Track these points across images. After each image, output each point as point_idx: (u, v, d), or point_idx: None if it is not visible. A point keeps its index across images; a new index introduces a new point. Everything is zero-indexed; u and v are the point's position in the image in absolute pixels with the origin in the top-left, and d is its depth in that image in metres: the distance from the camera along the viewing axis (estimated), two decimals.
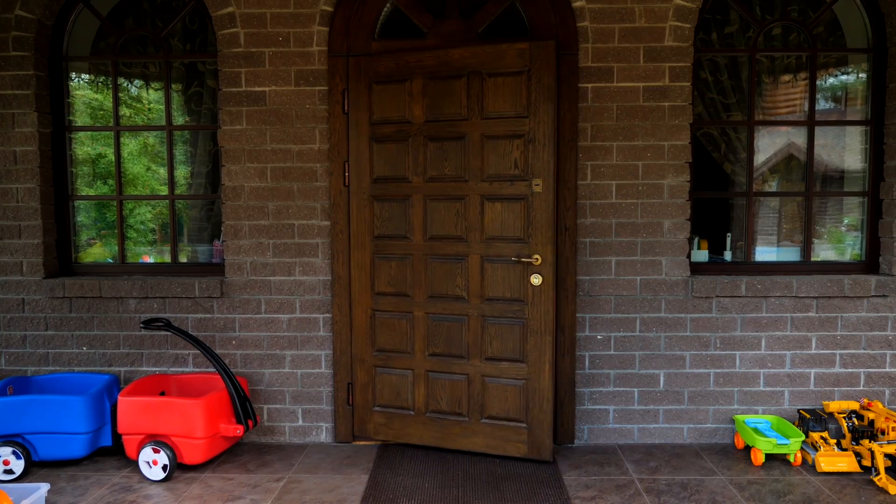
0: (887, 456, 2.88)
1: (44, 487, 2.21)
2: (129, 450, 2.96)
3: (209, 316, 3.28)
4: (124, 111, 3.48)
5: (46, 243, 3.32)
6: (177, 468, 3.00)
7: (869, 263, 3.35)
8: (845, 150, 3.45)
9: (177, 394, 3.23)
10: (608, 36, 3.12)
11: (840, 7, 3.33)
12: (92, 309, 3.30)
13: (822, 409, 3.18)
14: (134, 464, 3.08)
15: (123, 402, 2.95)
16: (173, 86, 3.45)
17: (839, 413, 3.12)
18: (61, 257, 3.45)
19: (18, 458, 2.92)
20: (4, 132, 3.25)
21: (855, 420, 3.07)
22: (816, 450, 2.98)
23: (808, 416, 3.10)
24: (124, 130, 3.49)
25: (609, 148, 3.17)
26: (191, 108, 3.51)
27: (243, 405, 3.04)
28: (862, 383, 3.24)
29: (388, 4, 3.21)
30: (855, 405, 3.14)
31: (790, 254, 3.45)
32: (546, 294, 3.08)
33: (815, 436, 3.02)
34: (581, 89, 3.14)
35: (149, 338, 3.31)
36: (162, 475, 2.88)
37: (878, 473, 2.79)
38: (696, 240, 3.42)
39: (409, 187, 3.21)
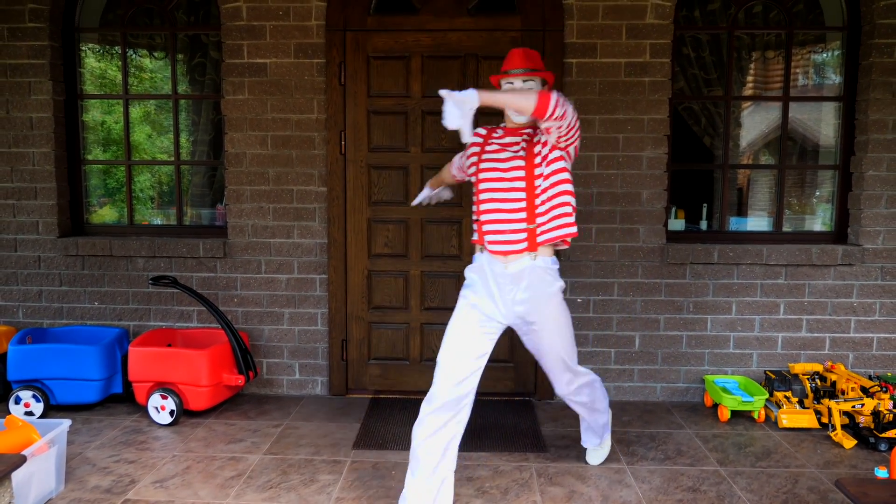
0: (844, 413, 3.07)
1: (66, 423, 2.44)
2: (139, 396, 3.20)
3: (213, 275, 3.50)
4: (130, 80, 3.66)
5: (60, 204, 3.54)
6: (183, 414, 3.23)
7: (837, 234, 3.52)
8: (824, 125, 3.59)
9: (182, 346, 3.45)
10: (592, 13, 3.27)
11: None
12: (103, 267, 3.52)
13: (788, 371, 3.37)
14: (143, 409, 3.32)
15: (134, 351, 3.18)
16: (178, 56, 3.63)
17: (804, 374, 3.31)
18: (74, 218, 3.66)
19: (38, 401, 3.16)
20: (21, 99, 3.45)
21: (818, 381, 3.26)
22: (780, 408, 3.18)
23: (773, 376, 3.29)
24: (133, 99, 3.68)
25: (591, 121, 3.33)
26: (194, 77, 3.69)
27: (244, 357, 3.27)
28: (827, 347, 3.43)
29: None
30: (819, 367, 3.33)
31: (764, 224, 3.62)
32: None
33: (780, 395, 3.22)
34: (566, 64, 3.30)
35: (156, 294, 3.54)
36: (169, 419, 3.12)
37: (834, 429, 2.99)
38: (673, 209, 3.59)
39: (408, 157, 3.40)
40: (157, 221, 3.76)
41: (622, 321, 3.43)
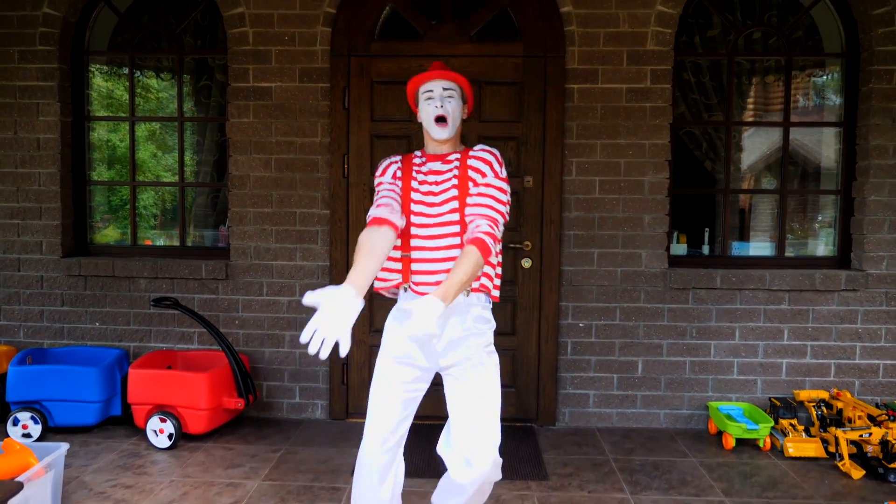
0: (852, 443, 3.03)
1: (63, 447, 2.41)
2: (138, 419, 3.18)
3: (214, 296, 3.49)
4: (137, 100, 3.71)
5: (65, 225, 3.56)
6: (181, 437, 3.20)
7: (840, 259, 3.51)
8: (824, 148, 3.61)
9: (182, 369, 3.44)
10: (594, 40, 3.31)
11: (818, 12, 3.49)
12: (105, 287, 3.53)
13: (793, 398, 3.33)
14: (142, 432, 3.29)
15: (134, 373, 3.16)
16: (184, 78, 3.68)
17: (809, 402, 3.27)
18: (77, 238, 3.68)
19: (36, 422, 3.14)
20: (29, 121, 3.49)
21: (824, 409, 3.22)
22: (785, 436, 3.13)
23: (778, 403, 3.25)
24: (139, 121, 3.72)
25: (593, 146, 3.35)
26: (200, 99, 3.74)
27: (244, 380, 3.25)
28: (832, 374, 3.39)
29: (387, 7, 3.41)
30: (824, 395, 3.29)
31: (766, 249, 3.61)
32: (533, 276, 3.39)
33: (785, 423, 3.17)
34: (567, 90, 3.33)
35: (157, 316, 3.53)
36: (168, 443, 3.09)
37: (841, 459, 2.94)
38: (675, 234, 3.59)
39: None
40: (161, 242, 3.78)
41: (624, 346, 3.41)
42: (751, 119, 3.66)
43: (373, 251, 1.80)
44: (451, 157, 2.04)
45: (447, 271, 1.96)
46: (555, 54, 3.33)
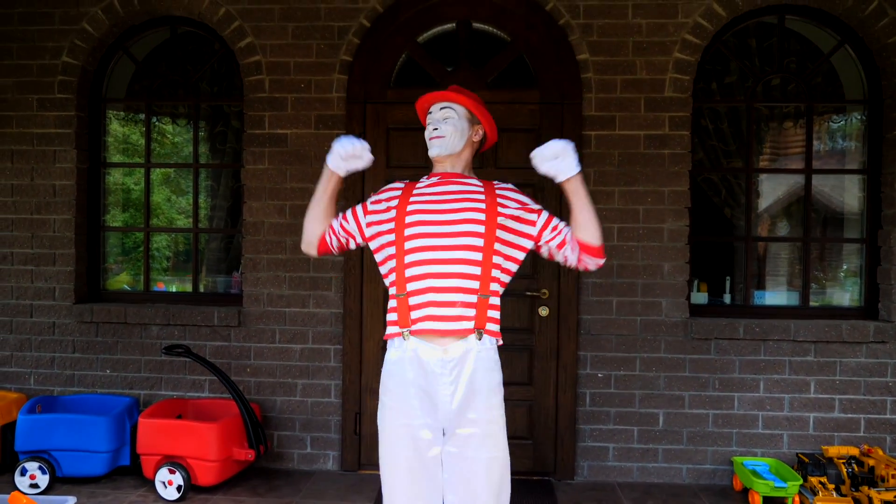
0: (886, 503, 2.89)
1: (70, 500, 2.36)
2: (147, 469, 3.11)
3: (226, 344, 3.45)
4: (153, 144, 3.73)
5: (78, 271, 3.54)
6: (190, 489, 3.13)
7: (867, 309, 3.41)
8: (847, 196, 3.54)
9: (193, 417, 3.38)
10: (611, 87, 3.28)
11: (838, 59, 3.45)
12: (117, 334, 3.50)
13: (822, 454, 3.21)
14: (150, 483, 3.22)
15: (143, 423, 3.10)
16: (200, 124, 3.69)
17: (839, 458, 3.14)
18: (90, 284, 3.66)
19: (44, 473, 3.08)
20: (46, 167, 3.51)
21: (855, 466, 3.09)
22: (815, 494, 3.00)
23: (806, 460, 3.13)
24: (154, 167, 3.73)
25: (611, 192, 3.30)
26: (215, 146, 3.74)
27: (255, 431, 3.18)
28: (862, 429, 3.27)
29: (403, 55, 3.42)
30: (855, 451, 3.16)
31: (789, 297, 3.52)
32: (551, 324, 3.33)
33: (814, 480, 3.05)
34: (584, 136, 3.30)
35: (168, 363, 3.49)
36: (176, 495, 3.02)
37: None
38: (695, 282, 3.51)
39: None
40: (173, 288, 3.75)
41: (645, 398, 3.31)
42: (770, 165, 3.60)
43: (329, 212, 1.94)
44: (471, 182, 1.87)
45: (463, 304, 1.72)
46: (571, 101, 3.30)
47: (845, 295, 3.51)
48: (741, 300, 3.50)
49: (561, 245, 1.85)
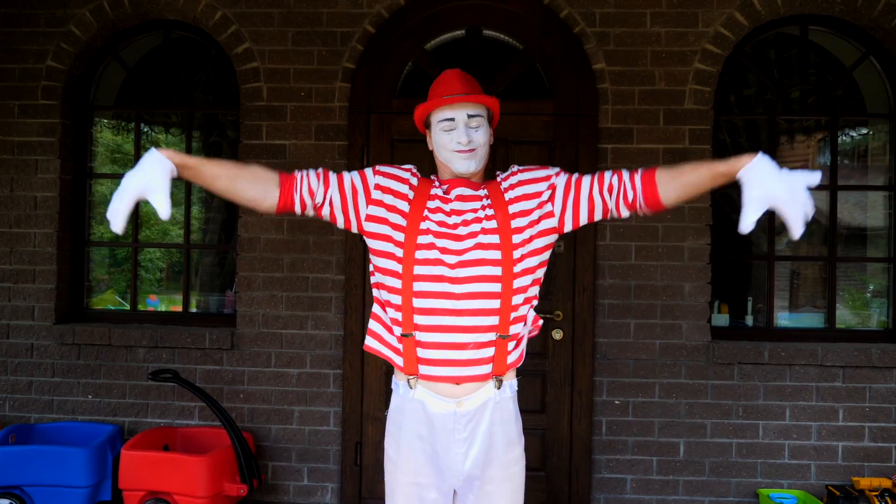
0: None
1: None
2: None
3: (218, 368, 3.22)
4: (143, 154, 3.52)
5: (60, 289, 3.31)
6: None
7: (895, 332, 3.26)
8: (869, 212, 3.40)
9: (181, 448, 3.14)
10: (628, 98, 3.13)
11: (859, 71, 3.33)
12: (100, 357, 3.26)
13: (852, 486, 3.03)
14: None
15: (126, 455, 2.87)
16: (194, 134, 3.50)
17: (871, 491, 2.97)
18: (73, 303, 3.43)
19: None
20: (27, 178, 3.29)
21: (888, 499, 2.92)
22: None
23: (837, 493, 2.95)
24: None
25: None
26: (210, 157, 3.54)
27: (248, 463, 2.95)
28: (894, 458, 3.10)
29: (409, 63, 3.25)
30: (888, 483, 2.99)
31: (814, 319, 3.36)
32: (565, 348, 3.13)
33: None
34: (601, 150, 3.14)
35: (155, 388, 3.25)
36: None
37: None
38: (716, 303, 3.35)
39: None
40: (162, 307, 3.53)
41: (664, 426, 3.12)
42: None
43: (230, 172, 1.56)
44: (481, 193, 1.60)
45: (478, 345, 1.48)
46: (587, 112, 3.15)
47: (872, 317, 3.35)
48: (764, 322, 3.33)
49: (592, 208, 1.57)
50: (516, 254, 1.51)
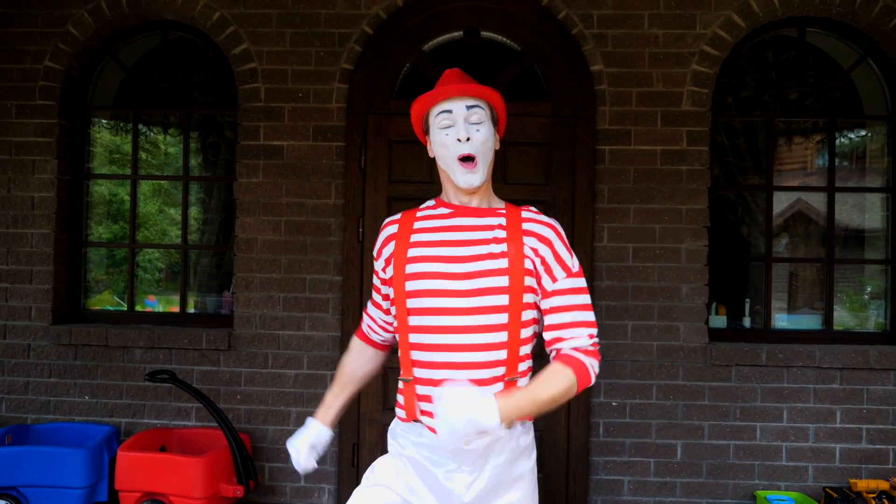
0: None
1: None
2: None
3: (215, 369, 3.22)
4: (141, 155, 3.52)
5: (57, 289, 3.31)
6: None
7: (893, 333, 3.25)
8: (867, 214, 3.40)
9: (178, 449, 3.14)
10: (626, 99, 3.13)
11: (857, 73, 3.33)
12: (97, 357, 3.25)
13: (850, 488, 3.03)
14: None
15: (122, 456, 2.86)
16: (192, 135, 3.49)
17: (868, 493, 2.96)
18: (70, 303, 3.42)
19: None
20: (24, 178, 3.28)
21: (885, 501, 2.91)
22: None
23: (835, 495, 2.94)
24: (142, 179, 3.52)
25: (626, 210, 3.13)
26: (207, 157, 3.54)
27: (245, 464, 2.94)
28: (891, 461, 3.09)
29: (407, 65, 3.25)
30: (885, 485, 2.98)
31: (811, 321, 3.36)
32: None
33: None
34: (598, 151, 3.14)
35: (152, 389, 3.25)
36: None
37: None
38: (713, 305, 3.34)
39: None
40: (160, 307, 3.52)
41: (662, 428, 3.12)
42: (788, 182, 3.46)
43: (347, 380, 1.63)
44: (492, 212, 1.45)
45: (483, 381, 1.36)
46: (585, 114, 3.15)
47: (869, 319, 3.35)
48: (761, 324, 3.33)
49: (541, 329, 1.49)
50: (525, 299, 1.40)
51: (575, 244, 3.14)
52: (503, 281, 1.37)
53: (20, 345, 3.29)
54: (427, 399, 1.40)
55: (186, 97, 3.46)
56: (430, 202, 1.53)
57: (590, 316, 1.43)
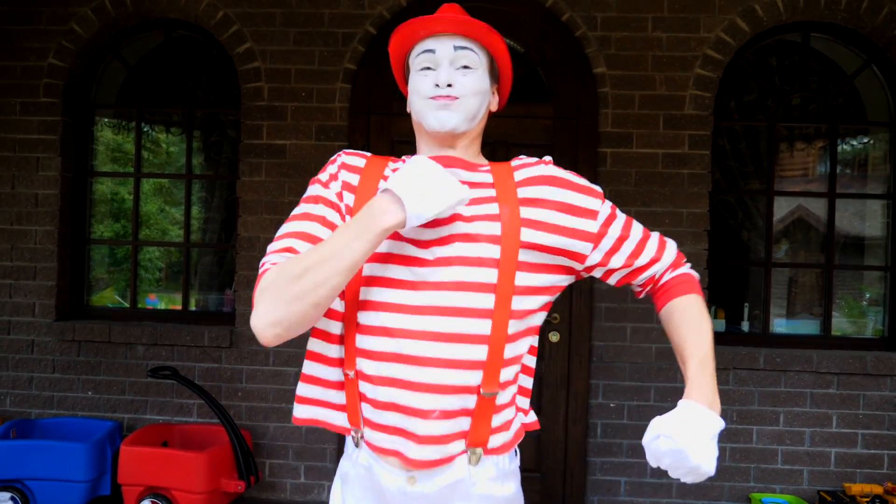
0: None
1: None
2: (128, 501, 2.90)
3: (217, 366, 3.25)
4: (144, 154, 3.53)
5: (60, 286, 3.33)
6: None
7: (890, 340, 3.26)
8: (868, 221, 3.40)
9: (179, 444, 3.17)
10: (628, 102, 3.14)
11: (861, 79, 3.33)
12: (100, 353, 3.29)
13: (844, 492, 3.05)
14: None
15: (125, 451, 2.90)
16: (194, 133, 3.50)
17: (861, 496, 2.99)
18: (74, 299, 3.45)
19: (16, 503, 2.87)
20: (28, 175, 3.30)
21: None
22: None
23: (829, 498, 2.97)
24: (145, 177, 3.53)
25: (627, 213, 3.12)
26: (210, 156, 3.56)
27: (246, 460, 2.98)
28: (886, 466, 3.12)
29: None
30: (879, 489, 3.01)
31: (809, 327, 3.37)
32: (561, 351, 3.14)
33: None
34: (600, 154, 3.14)
35: (154, 385, 3.28)
36: None
37: None
38: (712, 308, 3.36)
39: None
40: (162, 305, 3.55)
41: None
42: (789, 188, 3.46)
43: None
44: (478, 174, 1.11)
45: (451, 390, 1.01)
46: (587, 116, 3.15)
47: (868, 325, 3.36)
48: (760, 328, 3.35)
49: (635, 280, 1.20)
50: (520, 279, 1.04)
51: None
52: (487, 275, 1.02)
53: (24, 340, 3.32)
54: (385, 407, 1.03)
55: (190, 96, 3.47)
56: (404, 158, 1.18)
57: (656, 237, 1.18)
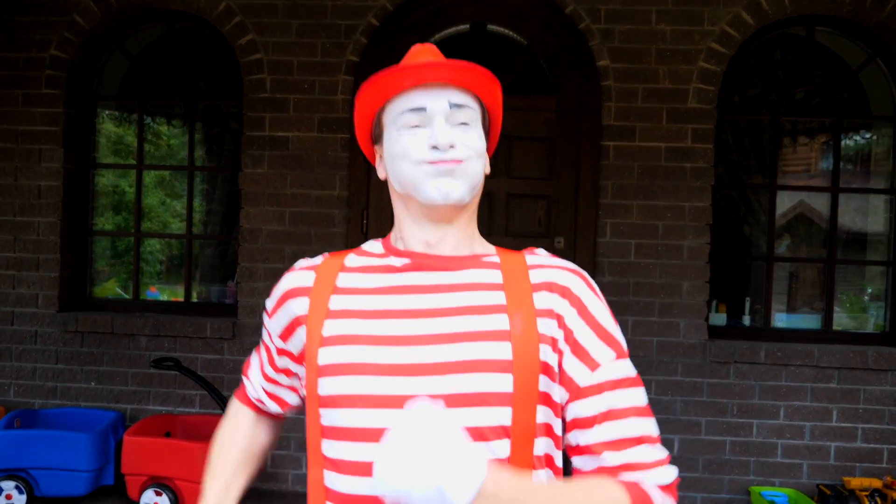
0: None
1: None
2: (131, 490, 2.93)
3: (219, 357, 3.26)
4: (146, 145, 3.54)
5: (63, 277, 3.35)
6: None
7: (891, 334, 3.27)
8: (870, 216, 3.40)
9: (182, 435, 3.19)
10: (632, 96, 3.13)
11: (865, 73, 3.31)
12: (103, 344, 3.30)
13: (843, 486, 3.07)
14: None
15: (129, 441, 2.92)
16: (197, 125, 3.50)
17: (861, 490, 3.00)
18: (76, 290, 3.46)
19: (21, 492, 2.89)
20: (31, 167, 3.30)
21: (878, 499, 2.95)
22: None
23: (828, 492, 2.99)
24: (147, 169, 3.54)
25: (629, 206, 3.14)
26: (212, 148, 3.56)
27: None
28: (885, 460, 3.13)
29: None
30: (878, 483, 3.02)
31: (811, 321, 3.38)
32: None
33: None
34: (603, 147, 3.14)
35: (157, 376, 3.30)
36: None
37: None
38: (714, 302, 3.36)
39: None
40: (164, 296, 3.56)
41: (659, 423, 3.10)
42: (792, 182, 3.46)
43: (221, 465, 0.98)
44: (472, 266, 0.88)
45: None
46: (590, 109, 3.15)
47: (869, 320, 3.37)
48: (761, 322, 3.35)
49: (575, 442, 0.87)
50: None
51: (577, 239, 3.16)
52: (501, 351, 0.80)
53: (27, 331, 3.34)
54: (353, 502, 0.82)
55: (192, 87, 3.46)
56: (373, 244, 0.95)
57: (652, 426, 0.88)
